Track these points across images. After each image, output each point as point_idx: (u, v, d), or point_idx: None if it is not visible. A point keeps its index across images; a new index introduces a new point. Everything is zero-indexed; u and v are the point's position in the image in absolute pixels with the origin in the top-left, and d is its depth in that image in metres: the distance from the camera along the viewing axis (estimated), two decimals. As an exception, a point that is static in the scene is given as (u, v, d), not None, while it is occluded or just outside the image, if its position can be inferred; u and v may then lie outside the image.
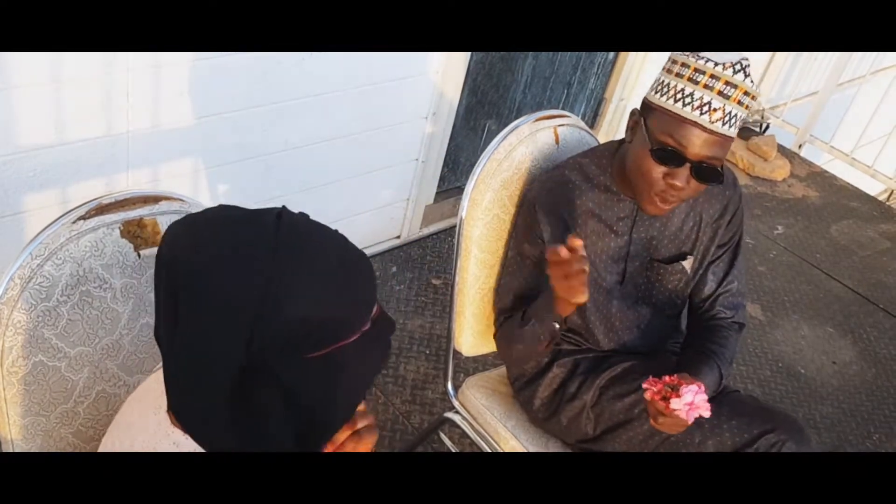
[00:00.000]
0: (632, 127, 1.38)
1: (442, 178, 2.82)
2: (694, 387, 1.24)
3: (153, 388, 0.90)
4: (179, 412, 0.84)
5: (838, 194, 3.89)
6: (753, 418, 1.41)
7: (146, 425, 0.86)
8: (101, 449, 0.93)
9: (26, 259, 1.01)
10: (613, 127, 3.39)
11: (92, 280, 1.06)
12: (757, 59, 4.11)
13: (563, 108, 3.15)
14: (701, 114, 1.25)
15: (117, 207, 1.08)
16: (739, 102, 1.25)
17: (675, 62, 1.31)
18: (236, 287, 0.74)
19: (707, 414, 1.25)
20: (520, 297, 1.49)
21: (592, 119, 3.40)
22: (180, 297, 0.76)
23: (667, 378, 1.28)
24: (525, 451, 1.58)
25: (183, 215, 0.85)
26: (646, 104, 1.34)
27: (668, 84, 1.29)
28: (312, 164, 2.27)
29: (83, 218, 1.05)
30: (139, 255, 1.09)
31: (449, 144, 2.71)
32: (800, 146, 4.19)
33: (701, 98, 1.25)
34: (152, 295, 1.13)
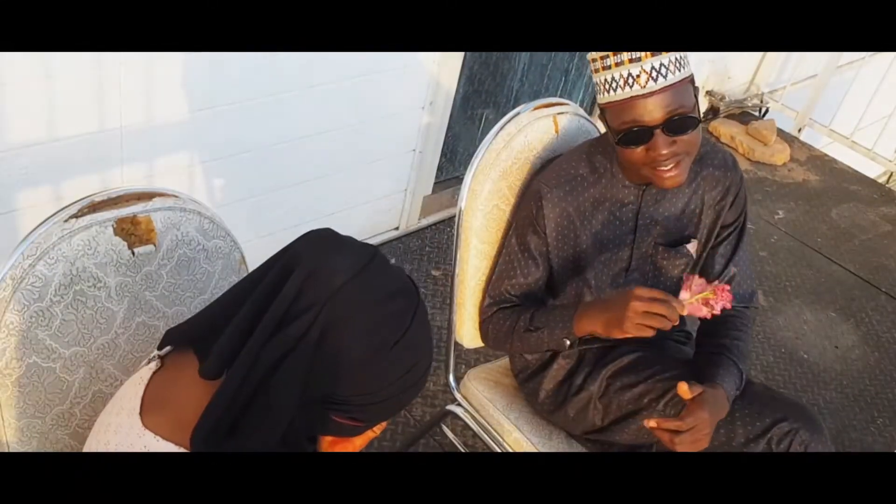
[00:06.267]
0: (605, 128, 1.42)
1: (440, 169, 2.80)
2: (698, 279, 1.28)
3: (129, 390, 0.90)
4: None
5: (838, 178, 3.87)
6: (765, 407, 1.41)
7: (121, 425, 0.87)
8: (85, 448, 0.93)
9: (18, 259, 0.99)
10: (612, 114, 3.36)
11: (85, 279, 1.04)
12: (755, 43, 4.08)
13: (561, 96, 3.14)
14: (630, 87, 1.28)
15: (110, 205, 1.05)
16: (653, 55, 1.26)
17: (590, 61, 1.34)
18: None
19: (728, 305, 1.26)
20: (516, 288, 1.48)
21: (591, 106, 3.37)
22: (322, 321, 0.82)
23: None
24: (528, 442, 1.57)
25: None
26: (600, 108, 1.38)
27: (598, 82, 1.34)
28: (308, 157, 2.25)
29: (75, 216, 1.02)
30: (133, 253, 1.07)
31: (446, 134, 2.69)
32: (799, 130, 4.17)
33: (621, 75, 1.28)
34: (147, 293, 1.12)
